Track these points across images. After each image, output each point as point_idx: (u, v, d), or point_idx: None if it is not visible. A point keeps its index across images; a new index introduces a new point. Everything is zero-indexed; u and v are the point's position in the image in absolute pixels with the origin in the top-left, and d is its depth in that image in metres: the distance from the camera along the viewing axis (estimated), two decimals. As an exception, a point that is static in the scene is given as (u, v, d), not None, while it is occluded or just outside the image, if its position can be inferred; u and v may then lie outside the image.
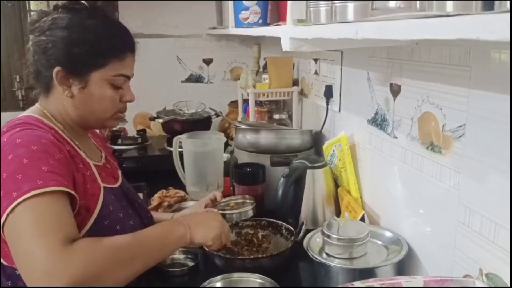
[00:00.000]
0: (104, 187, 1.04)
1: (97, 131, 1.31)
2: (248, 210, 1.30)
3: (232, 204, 1.37)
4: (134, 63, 1.10)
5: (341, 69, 1.53)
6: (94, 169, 1.05)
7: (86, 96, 1.03)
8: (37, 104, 1.08)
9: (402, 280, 0.80)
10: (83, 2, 1.05)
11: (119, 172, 1.22)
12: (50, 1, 2.52)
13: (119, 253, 0.87)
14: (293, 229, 1.31)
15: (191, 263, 1.26)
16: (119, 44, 1.04)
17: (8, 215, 0.82)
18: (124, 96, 1.08)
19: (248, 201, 1.36)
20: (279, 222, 1.36)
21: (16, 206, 0.82)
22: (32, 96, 1.12)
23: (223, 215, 1.21)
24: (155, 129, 2.53)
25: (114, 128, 2.51)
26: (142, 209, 1.17)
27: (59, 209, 0.85)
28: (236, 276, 1.08)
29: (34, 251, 0.79)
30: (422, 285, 0.79)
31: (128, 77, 1.08)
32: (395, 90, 1.16)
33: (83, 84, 1.02)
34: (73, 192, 0.89)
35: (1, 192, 0.84)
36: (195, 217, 1.11)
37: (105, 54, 1.02)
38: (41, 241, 0.80)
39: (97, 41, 1.01)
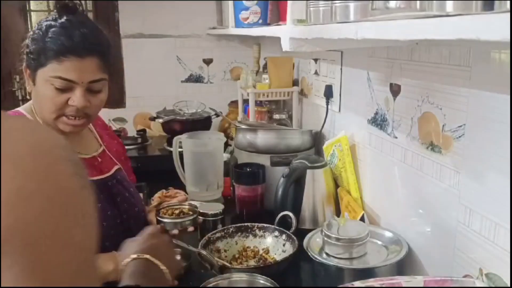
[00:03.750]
0: None
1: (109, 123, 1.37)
2: (186, 221, 1.24)
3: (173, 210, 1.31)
4: (88, 67, 1.05)
5: (341, 69, 1.53)
6: None
7: (35, 93, 1.09)
8: (32, 100, 1.16)
9: (402, 280, 0.80)
10: (60, 1, 1.09)
11: (116, 166, 1.25)
12: (50, 1, 2.52)
13: None
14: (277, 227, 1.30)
15: (183, 263, 1.23)
16: (59, 46, 1.02)
17: None
18: (71, 100, 1.06)
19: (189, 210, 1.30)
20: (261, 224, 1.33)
21: None
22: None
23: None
24: (155, 129, 2.53)
25: (114, 128, 2.51)
26: (127, 203, 1.20)
27: None
28: (236, 276, 1.08)
29: None
30: (422, 285, 0.79)
31: (71, 81, 1.04)
32: (395, 90, 1.16)
33: (34, 82, 1.07)
34: None
35: None
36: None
37: (45, 54, 1.03)
38: None
39: (42, 41, 1.03)
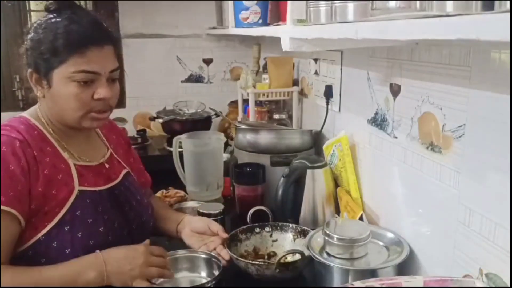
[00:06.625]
0: (80, 191, 1.04)
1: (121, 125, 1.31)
2: None
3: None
4: (108, 56, 1.04)
5: (341, 69, 1.53)
6: (73, 171, 1.05)
7: (53, 95, 1.03)
8: (36, 104, 1.11)
9: (402, 280, 0.80)
10: (54, 1, 1.04)
11: (124, 171, 1.20)
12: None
13: None
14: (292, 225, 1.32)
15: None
16: (77, 39, 0.99)
17: None
18: (96, 93, 1.03)
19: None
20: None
21: None
22: (31, 96, 1.13)
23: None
24: (155, 129, 2.53)
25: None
26: (134, 212, 1.15)
27: None
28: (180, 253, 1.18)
29: None
30: (422, 285, 0.79)
31: (95, 73, 1.01)
32: (395, 90, 1.16)
33: (49, 84, 1.02)
34: (8, 209, 0.93)
35: None
36: (115, 262, 1.00)
37: (62, 50, 0.99)
38: None
39: (54, 39, 0.99)
